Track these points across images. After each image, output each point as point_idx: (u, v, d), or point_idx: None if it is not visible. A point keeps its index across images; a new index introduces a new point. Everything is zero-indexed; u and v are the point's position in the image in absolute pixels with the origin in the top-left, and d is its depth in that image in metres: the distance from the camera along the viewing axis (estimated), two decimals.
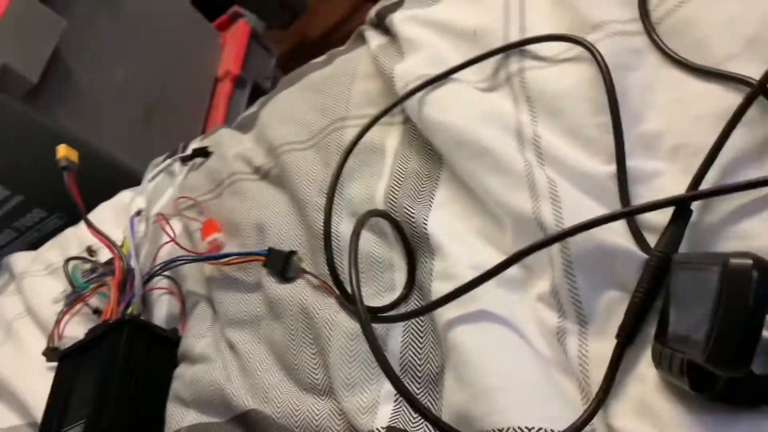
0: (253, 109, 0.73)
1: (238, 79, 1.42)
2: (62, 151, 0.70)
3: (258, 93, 1.49)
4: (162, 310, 0.61)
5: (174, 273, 0.61)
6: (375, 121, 0.48)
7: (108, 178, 1.03)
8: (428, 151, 0.47)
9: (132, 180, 1.00)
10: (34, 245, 1.15)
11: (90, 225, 0.65)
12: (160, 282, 0.62)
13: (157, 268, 0.60)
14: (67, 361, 0.58)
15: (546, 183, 0.36)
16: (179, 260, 0.57)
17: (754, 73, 0.33)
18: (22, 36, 0.94)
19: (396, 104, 0.46)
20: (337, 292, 0.44)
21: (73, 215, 1.14)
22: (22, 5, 0.96)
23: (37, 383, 0.65)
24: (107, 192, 0.92)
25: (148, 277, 0.61)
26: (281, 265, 0.49)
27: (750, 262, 0.23)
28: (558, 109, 0.40)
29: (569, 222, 0.35)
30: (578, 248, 0.34)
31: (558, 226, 0.35)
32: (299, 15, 1.96)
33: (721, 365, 0.23)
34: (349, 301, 0.41)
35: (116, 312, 0.58)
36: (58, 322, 0.66)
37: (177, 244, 0.57)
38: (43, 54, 0.97)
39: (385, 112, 0.48)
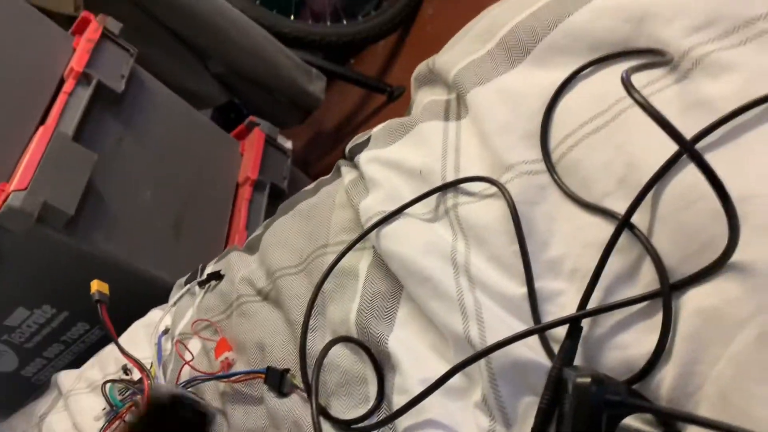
0: (258, 231, 0.83)
1: (257, 183, 1.53)
2: (95, 286, 0.80)
3: (275, 192, 1.60)
4: None
5: (195, 389, 0.70)
6: (345, 252, 0.56)
7: (143, 292, 1.13)
8: (392, 272, 0.55)
9: (165, 291, 1.09)
10: (80, 355, 1.25)
11: (122, 351, 0.75)
12: None
13: (181, 386, 0.68)
14: None
15: (473, 306, 0.44)
16: (196, 380, 0.66)
17: (624, 209, 0.41)
18: (58, 173, 1.06)
19: (360, 238, 0.55)
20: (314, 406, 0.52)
21: (114, 325, 1.24)
22: (58, 146, 1.08)
23: None
24: (145, 303, 1.01)
25: None
26: (278, 381, 0.57)
27: (588, 379, 0.31)
28: (483, 239, 0.48)
29: (491, 339, 0.42)
30: (499, 362, 0.41)
31: (482, 344, 0.42)
32: (312, 111, 2.09)
33: None
34: (324, 413, 0.49)
35: None
36: None
37: (191, 367, 0.66)
38: (78, 187, 1.08)
39: (351, 245, 0.56)
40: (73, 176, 1.10)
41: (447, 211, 0.52)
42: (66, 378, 0.98)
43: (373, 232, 0.55)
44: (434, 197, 0.54)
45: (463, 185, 0.52)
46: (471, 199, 0.51)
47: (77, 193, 1.08)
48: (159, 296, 1.03)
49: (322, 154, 2.38)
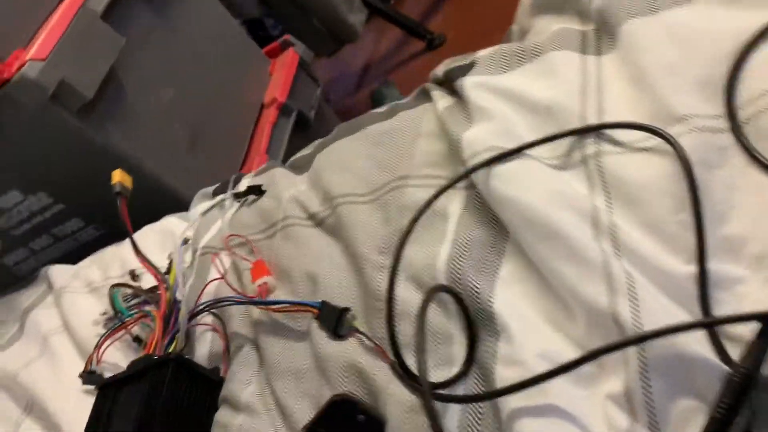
0: (307, 150, 0.74)
1: (284, 107, 1.43)
2: (117, 176, 0.71)
3: (301, 121, 1.50)
4: (204, 347, 0.61)
5: (219, 311, 0.61)
6: (444, 189, 0.47)
7: (151, 199, 1.03)
8: (493, 221, 0.46)
9: (173, 202, 1.00)
10: (69, 252, 1.16)
11: (139, 253, 0.66)
12: (204, 318, 0.62)
13: (204, 305, 0.60)
14: (107, 391, 0.58)
15: (624, 277, 0.36)
16: (229, 300, 0.57)
17: None
18: (81, 52, 0.96)
19: (467, 174, 0.46)
20: (393, 359, 0.44)
21: (110, 228, 1.15)
22: (84, 22, 0.98)
23: (71, 405, 0.66)
24: (148, 211, 0.92)
25: (194, 313, 0.61)
26: (334, 321, 0.49)
27: None
28: (637, 199, 0.39)
29: (647, 322, 0.34)
30: (656, 352, 0.33)
31: (636, 326, 0.34)
32: (346, 43, 1.97)
33: None
34: (408, 373, 0.41)
35: (160, 346, 0.58)
36: (98, 346, 0.67)
37: (230, 285, 0.57)
38: (100, 71, 0.99)
39: (456, 181, 0.47)
40: (97, 58, 1.00)
41: (585, 159, 0.44)
42: (59, 273, 0.89)
43: (482, 171, 0.46)
44: (566, 141, 0.45)
45: (609, 131, 0.43)
46: (619, 149, 0.42)
47: (98, 76, 0.98)
48: (165, 206, 0.94)
49: (346, 92, 2.27)
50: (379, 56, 2.24)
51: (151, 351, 0.58)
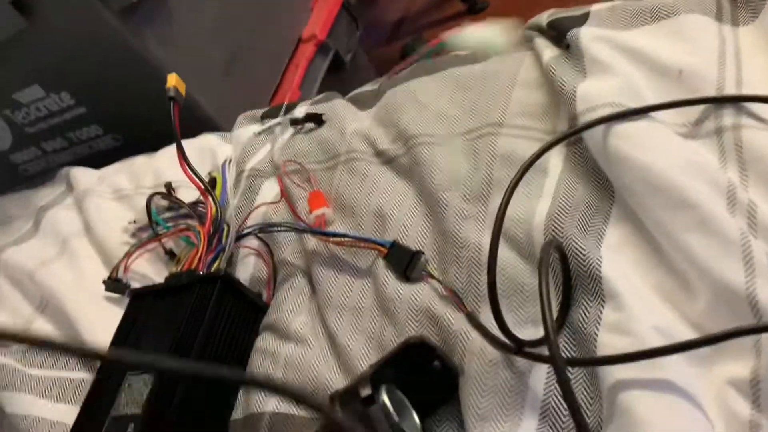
0: (371, 87, 0.70)
1: (322, 45, 1.38)
2: (173, 80, 0.67)
3: (336, 62, 1.46)
4: (246, 270, 0.57)
5: (266, 236, 0.58)
6: (557, 141, 0.44)
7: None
8: (597, 181, 0.43)
9: (201, 121, 0.96)
10: (81, 159, 1.12)
11: (189, 165, 0.62)
12: (249, 241, 0.59)
13: (256, 227, 0.57)
14: (141, 300, 0.55)
15: (765, 259, 0.33)
16: (286, 226, 0.54)
17: None
18: None
19: (585, 128, 0.43)
20: (469, 309, 0.41)
21: (128, 141, 1.11)
22: None
23: (90, 310, 0.63)
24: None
25: (242, 235, 0.58)
26: (405, 263, 0.46)
27: None
28: None
29: None
30: None
31: None
32: None
33: None
34: (503, 329, 0.37)
35: (203, 263, 0.55)
36: (128, 254, 0.63)
37: (293, 212, 0.54)
38: None
39: (570, 135, 0.44)
40: None
41: (719, 130, 0.40)
42: (82, 175, 0.85)
43: (598, 128, 0.42)
44: (699, 108, 0.42)
45: (750, 105, 0.40)
46: (762, 125, 0.39)
47: None
48: (191, 124, 0.89)
49: (376, 42, 2.20)
50: (414, 12, 2.17)
51: (192, 266, 0.55)
